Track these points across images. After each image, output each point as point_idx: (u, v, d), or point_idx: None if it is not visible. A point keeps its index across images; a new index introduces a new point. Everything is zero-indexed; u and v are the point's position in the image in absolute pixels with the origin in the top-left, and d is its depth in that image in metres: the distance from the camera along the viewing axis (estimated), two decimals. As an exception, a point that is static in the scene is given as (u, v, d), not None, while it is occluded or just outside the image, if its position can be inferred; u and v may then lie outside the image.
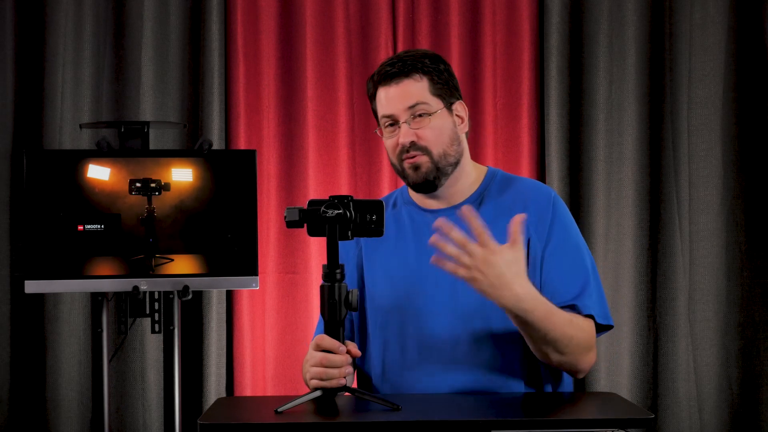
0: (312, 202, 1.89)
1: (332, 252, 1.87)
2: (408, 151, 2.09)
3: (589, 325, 2.05)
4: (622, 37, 3.65)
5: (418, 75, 2.11)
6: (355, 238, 1.91)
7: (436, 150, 2.10)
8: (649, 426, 1.76)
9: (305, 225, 1.89)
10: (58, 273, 2.99)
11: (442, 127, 2.12)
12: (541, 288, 2.06)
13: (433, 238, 1.90)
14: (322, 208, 1.87)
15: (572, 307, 2.05)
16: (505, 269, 1.89)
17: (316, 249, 3.63)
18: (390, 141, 2.13)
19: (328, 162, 3.68)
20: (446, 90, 2.13)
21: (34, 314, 3.58)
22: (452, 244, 1.90)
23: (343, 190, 3.64)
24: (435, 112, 2.10)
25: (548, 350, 2.01)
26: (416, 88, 2.10)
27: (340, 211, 1.87)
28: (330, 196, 1.89)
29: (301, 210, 1.88)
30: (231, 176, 3.06)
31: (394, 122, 2.11)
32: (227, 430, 1.78)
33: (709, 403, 3.64)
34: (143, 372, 3.58)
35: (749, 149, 3.65)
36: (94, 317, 3.53)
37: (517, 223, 1.90)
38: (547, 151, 3.64)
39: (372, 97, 2.17)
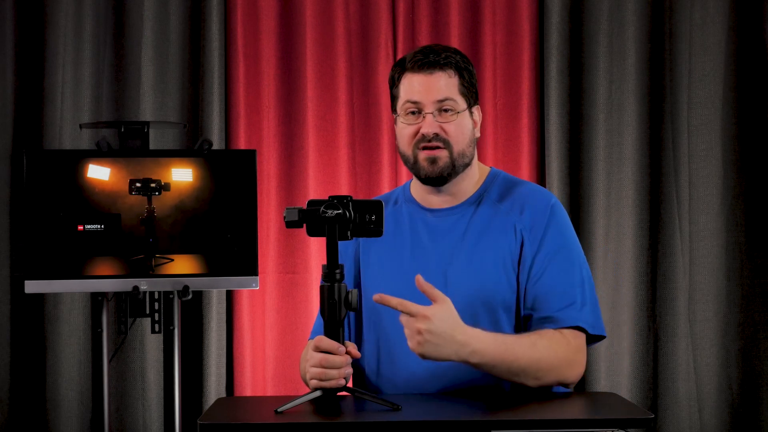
0: (311, 203, 1.89)
1: (332, 252, 1.87)
2: (429, 141, 2.09)
3: (565, 340, 2.03)
4: (622, 37, 3.65)
5: (451, 71, 2.10)
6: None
7: (457, 147, 2.11)
8: (649, 426, 1.76)
9: (304, 225, 1.89)
10: (58, 273, 2.99)
11: (464, 127, 2.13)
12: (533, 298, 2.07)
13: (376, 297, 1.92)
14: (322, 209, 1.87)
15: (550, 320, 2.04)
16: (443, 324, 1.90)
17: (315, 249, 3.63)
18: (409, 128, 2.11)
19: (328, 162, 3.68)
20: (470, 91, 2.14)
21: (34, 314, 3.58)
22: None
23: (343, 190, 3.64)
24: (461, 111, 2.11)
25: (523, 380, 2.00)
26: (447, 83, 2.10)
27: (340, 211, 1.87)
28: (329, 196, 1.89)
29: (300, 210, 1.88)
30: (231, 176, 3.06)
31: (417, 111, 2.10)
32: (227, 430, 1.78)
33: (709, 403, 3.64)
34: (143, 372, 3.58)
35: (749, 149, 3.65)
36: (94, 317, 3.52)
37: (422, 283, 1.92)
38: (547, 151, 3.64)
39: (395, 82, 2.14)
